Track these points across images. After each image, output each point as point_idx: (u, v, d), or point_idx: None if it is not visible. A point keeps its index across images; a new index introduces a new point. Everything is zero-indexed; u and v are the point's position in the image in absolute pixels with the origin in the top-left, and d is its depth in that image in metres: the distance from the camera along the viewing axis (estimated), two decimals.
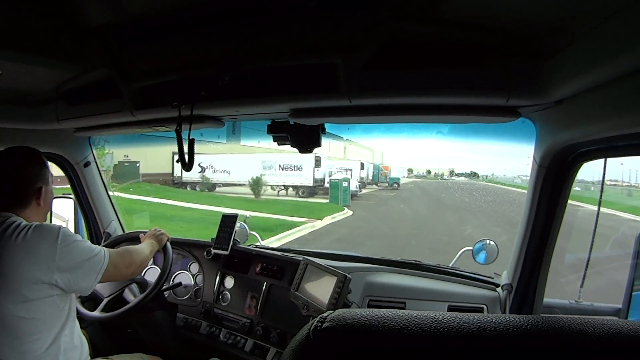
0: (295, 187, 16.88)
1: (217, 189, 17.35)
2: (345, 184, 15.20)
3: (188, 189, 17.15)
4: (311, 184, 16.65)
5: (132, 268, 1.34)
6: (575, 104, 0.87)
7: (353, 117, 1.09)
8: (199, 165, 16.55)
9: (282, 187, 17.19)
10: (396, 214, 13.52)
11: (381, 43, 0.90)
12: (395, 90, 0.94)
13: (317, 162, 16.53)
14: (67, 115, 1.47)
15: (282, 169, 16.87)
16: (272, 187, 17.13)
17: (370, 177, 20.99)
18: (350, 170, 19.19)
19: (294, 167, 16.70)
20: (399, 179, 22.18)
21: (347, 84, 0.96)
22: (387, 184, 21.01)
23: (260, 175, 16.22)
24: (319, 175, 16.75)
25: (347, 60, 0.94)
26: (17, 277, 1.05)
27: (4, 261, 1.05)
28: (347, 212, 12.96)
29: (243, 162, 16.68)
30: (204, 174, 17.03)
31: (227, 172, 17.08)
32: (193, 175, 16.54)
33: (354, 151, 23.39)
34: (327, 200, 15.02)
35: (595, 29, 0.67)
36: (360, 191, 17.60)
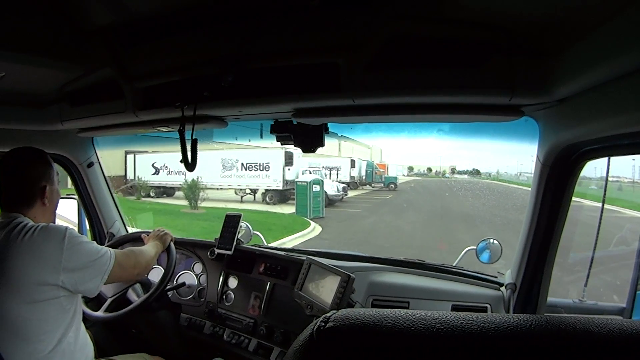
0: (265, 191, 13.37)
1: (178, 192, 13.76)
2: (316, 187, 11.07)
3: (142, 194, 13.92)
4: (281, 187, 13.04)
5: (138, 269, 1.35)
6: (578, 103, 0.87)
7: (356, 116, 1.09)
8: (152, 165, 13.61)
9: (249, 191, 13.68)
10: (385, 234, 9.27)
11: (384, 42, 0.90)
12: (399, 89, 0.94)
13: (289, 159, 12.91)
14: (71, 116, 1.47)
15: (246, 169, 13.34)
16: (235, 191, 13.77)
17: (364, 176, 18.47)
18: (338, 168, 16.23)
19: (260, 166, 13.17)
20: (396, 178, 20.10)
21: (350, 83, 0.96)
22: (382, 185, 18.94)
23: (198, 178, 12.39)
24: (291, 176, 12.90)
25: (350, 59, 0.94)
26: (23, 278, 1.05)
27: (10, 262, 1.05)
28: (314, 231, 8.99)
29: (199, 161, 13.73)
30: (158, 175, 13.77)
31: (182, 174, 12.92)
32: (151, 178, 13.67)
33: (350, 148, 21.40)
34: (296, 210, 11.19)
35: (598, 27, 0.66)
36: (346, 194, 13.99)
